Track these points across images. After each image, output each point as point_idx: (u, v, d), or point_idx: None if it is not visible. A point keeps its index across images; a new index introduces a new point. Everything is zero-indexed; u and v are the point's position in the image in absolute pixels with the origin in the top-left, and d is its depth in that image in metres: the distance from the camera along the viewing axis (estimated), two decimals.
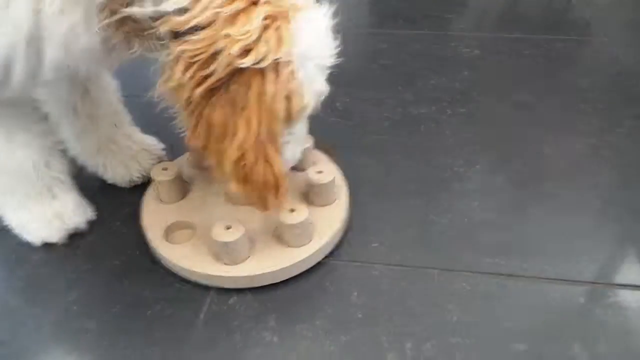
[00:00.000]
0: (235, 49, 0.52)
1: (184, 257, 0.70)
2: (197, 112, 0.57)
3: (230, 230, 0.67)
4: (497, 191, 0.83)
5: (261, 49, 0.53)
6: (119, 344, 0.63)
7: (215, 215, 0.73)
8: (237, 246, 0.68)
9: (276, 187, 0.62)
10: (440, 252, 0.74)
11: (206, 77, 0.54)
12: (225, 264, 0.69)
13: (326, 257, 0.73)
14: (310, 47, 0.57)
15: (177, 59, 0.53)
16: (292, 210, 0.70)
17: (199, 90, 0.54)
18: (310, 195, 0.77)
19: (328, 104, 1.02)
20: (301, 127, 0.69)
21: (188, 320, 0.66)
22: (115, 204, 0.82)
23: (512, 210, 0.80)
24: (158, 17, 0.52)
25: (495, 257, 0.73)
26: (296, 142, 0.68)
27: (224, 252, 0.68)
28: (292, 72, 0.55)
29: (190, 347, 0.63)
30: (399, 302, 0.67)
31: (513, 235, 0.76)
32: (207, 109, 0.56)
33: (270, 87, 0.55)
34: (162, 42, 0.55)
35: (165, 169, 0.77)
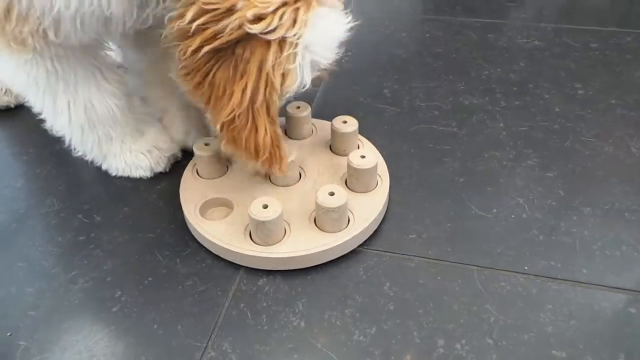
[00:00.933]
0: (250, 12, 0.55)
1: (217, 234, 0.69)
2: (204, 68, 0.59)
3: (267, 209, 0.66)
4: (547, 189, 0.78)
5: (273, 22, 0.56)
6: (147, 317, 0.63)
7: (253, 194, 0.72)
8: (273, 226, 0.66)
9: (259, 155, 0.64)
10: (482, 248, 0.70)
11: (216, 36, 0.57)
12: (258, 244, 0.68)
13: (361, 245, 0.71)
14: (316, 42, 0.60)
15: (193, 1, 0.56)
16: (332, 194, 0.68)
17: (207, 48, 0.57)
18: (351, 180, 0.74)
19: (376, 90, 1.01)
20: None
21: (217, 298, 0.65)
22: (153, 177, 0.83)
23: (562, 211, 0.74)
24: None
25: (540, 259, 0.68)
26: None
27: (259, 231, 0.67)
28: (294, 54, 0.59)
29: (216, 325, 0.62)
30: (433, 297, 0.64)
31: (561, 236, 0.71)
32: (214, 67, 0.59)
33: (271, 59, 0.58)
34: None
35: (207, 144, 0.77)
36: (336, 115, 0.81)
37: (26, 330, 0.63)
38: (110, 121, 0.77)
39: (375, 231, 0.72)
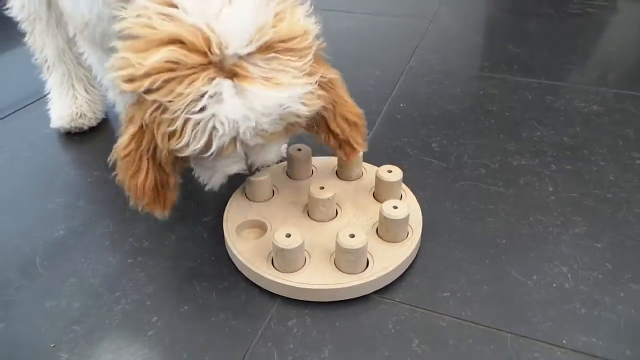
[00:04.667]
0: (125, 72, 0.59)
1: (243, 251, 0.74)
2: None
3: (289, 238, 0.70)
4: (594, 260, 0.75)
5: (144, 84, 0.58)
6: (178, 345, 0.66)
7: (287, 223, 0.77)
8: (292, 255, 0.70)
9: (138, 196, 0.68)
10: (518, 315, 0.68)
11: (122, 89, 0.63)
12: (277, 269, 0.71)
13: (393, 298, 0.71)
14: (227, 113, 0.59)
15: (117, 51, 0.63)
16: (352, 236, 0.70)
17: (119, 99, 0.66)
18: (381, 228, 0.76)
19: (424, 143, 1.02)
20: (223, 162, 0.70)
21: (246, 334, 0.67)
22: (199, 210, 0.87)
23: (609, 285, 0.72)
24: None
25: (581, 333, 0.65)
26: (216, 172, 0.72)
27: (279, 258, 0.71)
28: (172, 119, 0.60)
29: None
30: None
31: (605, 312, 0.68)
32: (127, 110, 0.67)
33: (147, 116, 0.61)
34: None
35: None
36: (381, 164, 0.83)
37: (68, 344, 0.66)
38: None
39: (409, 285, 0.72)
